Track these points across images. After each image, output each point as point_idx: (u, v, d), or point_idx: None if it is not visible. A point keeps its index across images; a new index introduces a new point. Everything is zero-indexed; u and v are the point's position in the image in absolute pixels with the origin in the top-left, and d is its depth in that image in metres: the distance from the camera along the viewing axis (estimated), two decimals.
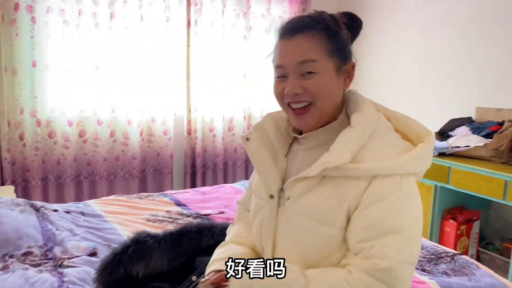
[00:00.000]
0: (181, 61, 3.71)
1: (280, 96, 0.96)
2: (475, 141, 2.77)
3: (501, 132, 2.63)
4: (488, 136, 2.80)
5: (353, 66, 0.98)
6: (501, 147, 2.56)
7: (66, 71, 3.16)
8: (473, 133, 2.90)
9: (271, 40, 3.97)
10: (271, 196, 0.97)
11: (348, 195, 0.87)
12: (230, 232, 1.20)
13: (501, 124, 2.84)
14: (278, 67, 0.95)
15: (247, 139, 1.03)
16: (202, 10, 3.65)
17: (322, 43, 0.91)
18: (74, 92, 3.20)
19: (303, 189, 0.92)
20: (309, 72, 0.91)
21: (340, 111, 0.99)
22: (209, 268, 1.05)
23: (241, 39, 3.86)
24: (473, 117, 3.15)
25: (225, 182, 3.98)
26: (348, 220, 0.88)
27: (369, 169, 0.85)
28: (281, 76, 0.95)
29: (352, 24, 0.98)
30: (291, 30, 0.94)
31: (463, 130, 2.99)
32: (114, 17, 3.27)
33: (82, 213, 2.12)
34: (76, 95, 3.21)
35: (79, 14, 3.15)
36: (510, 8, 2.92)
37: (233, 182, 3.60)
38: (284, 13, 4.09)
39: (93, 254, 1.69)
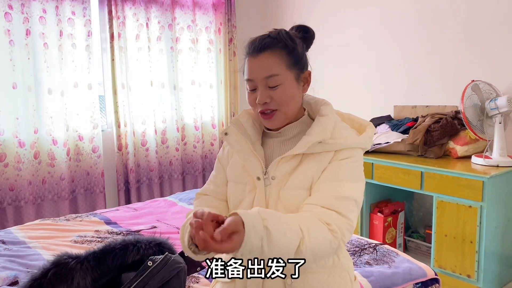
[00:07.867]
0: (106, 75, 3.63)
1: (254, 104, 1.13)
2: (394, 137, 2.95)
3: (415, 128, 2.83)
4: (405, 132, 3.00)
5: (309, 74, 1.16)
6: (416, 141, 2.75)
7: None
8: (392, 130, 3.10)
9: (199, 50, 3.94)
10: (258, 178, 1.12)
11: (322, 164, 1.09)
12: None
13: (415, 120, 3.06)
14: (248, 80, 1.12)
15: (226, 133, 1.18)
16: (126, 23, 3.60)
17: (283, 58, 1.08)
18: None
19: (288, 169, 1.10)
20: (275, 85, 1.08)
21: (302, 110, 1.19)
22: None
23: (168, 51, 3.85)
24: (392, 115, 3.37)
25: (162, 196, 3.92)
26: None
27: (343, 143, 1.09)
28: (253, 89, 1.12)
29: (305, 36, 1.16)
30: (256, 49, 1.09)
31: (384, 127, 3.18)
32: (30, 34, 3.13)
33: (3, 241, 2.00)
34: None
35: None
36: (420, 14, 3.17)
37: (170, 195, 3.55)
38: (210, 23, 4.13)
39: (14, 283, 1.61)
